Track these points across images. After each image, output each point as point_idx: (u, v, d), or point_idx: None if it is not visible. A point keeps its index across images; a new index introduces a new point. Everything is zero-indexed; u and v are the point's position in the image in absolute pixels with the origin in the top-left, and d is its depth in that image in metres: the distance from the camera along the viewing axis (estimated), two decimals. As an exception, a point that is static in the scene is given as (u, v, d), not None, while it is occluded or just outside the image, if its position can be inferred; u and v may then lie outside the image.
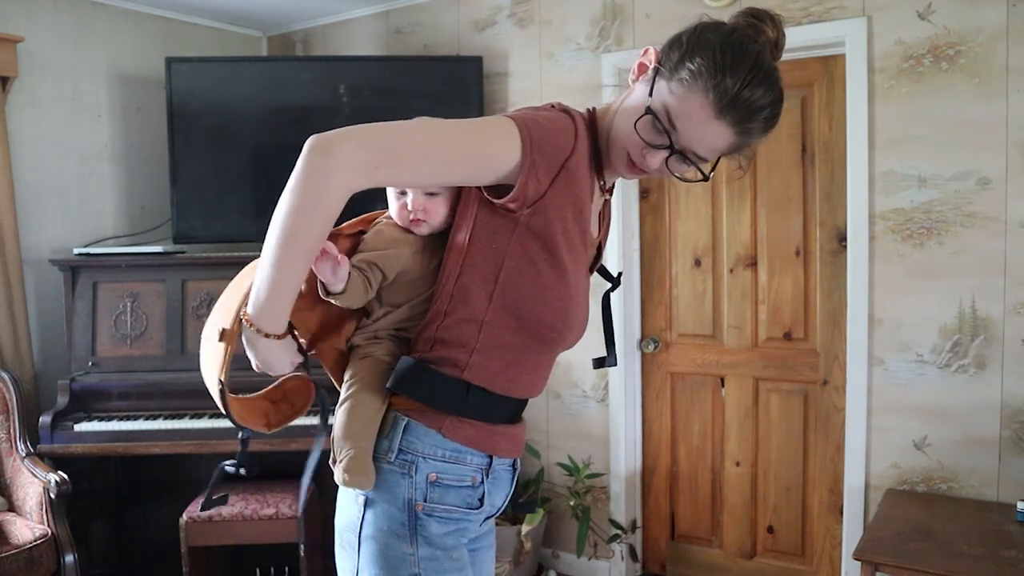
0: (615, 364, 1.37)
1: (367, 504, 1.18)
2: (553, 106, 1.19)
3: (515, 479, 1.31)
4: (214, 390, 1.13)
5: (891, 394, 2.66)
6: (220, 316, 1.16)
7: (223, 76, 3.36)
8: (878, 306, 2.67)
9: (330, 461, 1.20)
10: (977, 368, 2.52)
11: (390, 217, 1.26)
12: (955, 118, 2.50)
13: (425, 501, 1.16)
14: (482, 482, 1.22)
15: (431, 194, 1.19)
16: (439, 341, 1.18)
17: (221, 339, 1.11)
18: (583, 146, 1.16)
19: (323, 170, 1.01)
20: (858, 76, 2.64)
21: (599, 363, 1.37)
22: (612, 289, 1.38)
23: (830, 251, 2.86)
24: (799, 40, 2.71)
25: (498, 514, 1.32)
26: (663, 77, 1.12)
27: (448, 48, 3.52)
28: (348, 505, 1.21)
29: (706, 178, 1.18)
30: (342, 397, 1.22)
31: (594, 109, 1.25)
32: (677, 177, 1.19)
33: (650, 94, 1.13)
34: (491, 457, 1.22)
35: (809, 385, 2.94)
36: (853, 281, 2.71)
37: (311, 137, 1.03)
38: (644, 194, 3.22)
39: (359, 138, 1.03)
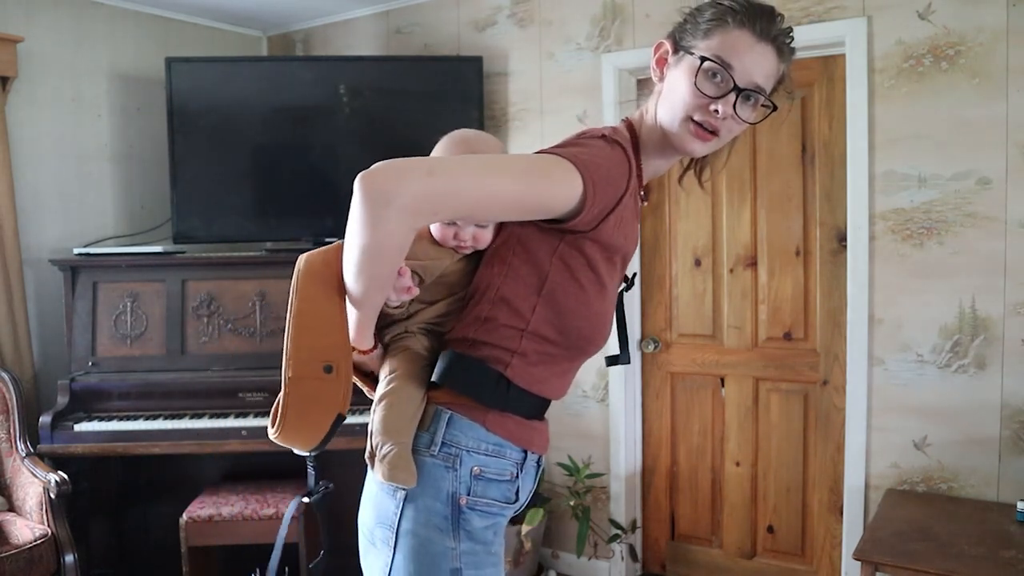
0: (628, 362, 1.40)
1: (407, 499, 1.17)
2: (604, 136, 1.19)
3: (539, 475, 1.34)
4: (327, 429, 1.16)
5: (891, 394, 2.66)
6: (307, 355, 1.15)
7: (223, 76, 3.36)
8: (878, 306, 2.67)
9: (366, 456, 1.20)
10: (977, 368, 2.52)
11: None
12: (955, 118, 2.50)
13: (469, 495, 1.17)
14: (517, 476, 1.24)
15: (482, 225, 1.22)
16: (480, 343, 1.20)
17: (330, 372, 1.14)
18: (634, 173, 1.20)
19: (385, 220, 1.01)
20: (858, 76, 2.63)
21: (613, 360, 1.40)
22: (626, 289, 1.40)
23: (830, 251, 2.86)
24: (799, 40, 2.69)
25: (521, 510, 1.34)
26: (690, 44, 1.20)
27: (448, 48, 3.52)
28: (382, 501, 1.20)
29: (775, 107, 1.23)
30: (381, 391, 1.21)
31: (629, 119, 1.30)
32: (746, 122, 1.21)
33: (691, 53, 1.19)
34: (525, 452, 1.25)
35: (809, 385, 2.94)
36: (853, 281, 2.71)
37: (364, 178, 1.01)
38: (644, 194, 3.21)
39: (418, 183, 1.01)
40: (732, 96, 1.17)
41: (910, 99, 2.57)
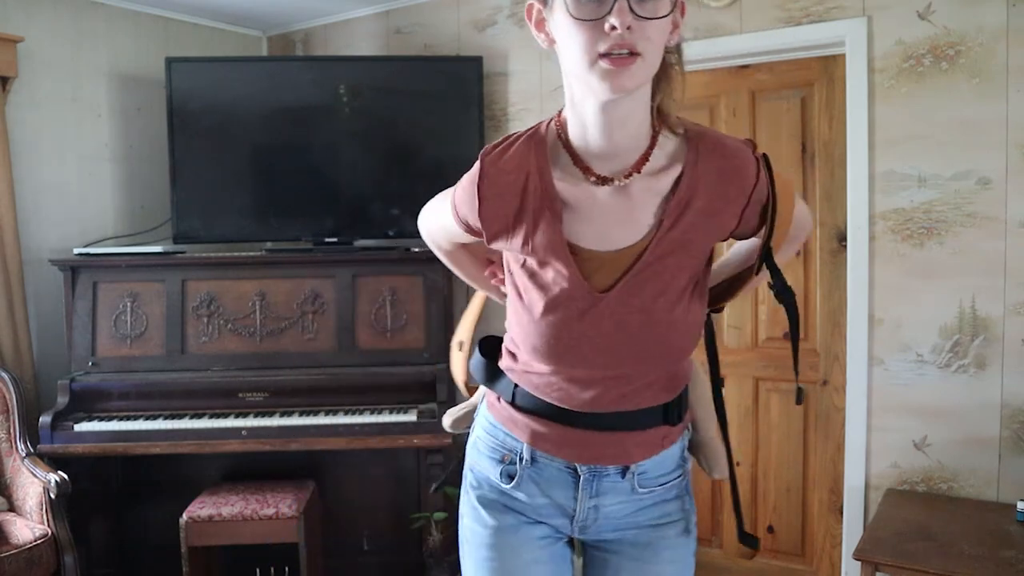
0: (800, 401, 1.52)
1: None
2: (483, 149, 1.18)
3: (581, 484, 1.25)
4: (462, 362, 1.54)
5: (891, 394, 2.66)
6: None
7: (223, 76, 3.36)
8: (878, 306, 2.67)
9: None
10: (977, 368, 2.52)
11: None
12: (955, 118, 2.50)
13: (468, 455, 1.38)
14: (514, 463, 1.28)
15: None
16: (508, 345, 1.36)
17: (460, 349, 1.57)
18: (504, 181, 1.13)
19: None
20: (858, 76, 2.63)
21: (798, 398, 1.47)
22: (785, 301, 1.27)
23: (830, 251, 2.86)
24: (799, 40, 2.71)
25: (617, 527, 1.32)
26: None
27: (448, 48, 3.52)
28: None
29: None
30: None
31: (561, 109, 1.17)
32: (660, 18, 1.00)
33: None
34: (523, 444, 1.27)
35: (809, 385, 2.94)
36: (853, 281, 2.71)
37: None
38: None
39: (422, 226, 1.41)
40: (621, 1, 0.96)
41: (910, 99, 2.57)
